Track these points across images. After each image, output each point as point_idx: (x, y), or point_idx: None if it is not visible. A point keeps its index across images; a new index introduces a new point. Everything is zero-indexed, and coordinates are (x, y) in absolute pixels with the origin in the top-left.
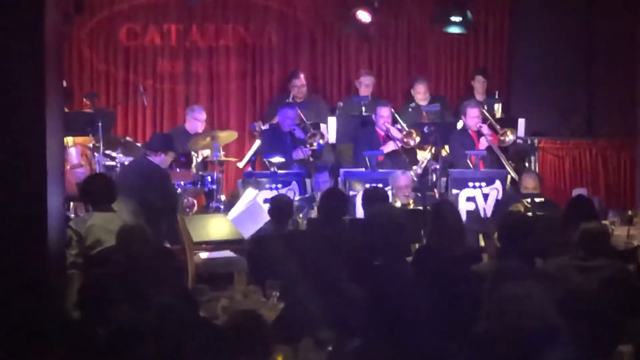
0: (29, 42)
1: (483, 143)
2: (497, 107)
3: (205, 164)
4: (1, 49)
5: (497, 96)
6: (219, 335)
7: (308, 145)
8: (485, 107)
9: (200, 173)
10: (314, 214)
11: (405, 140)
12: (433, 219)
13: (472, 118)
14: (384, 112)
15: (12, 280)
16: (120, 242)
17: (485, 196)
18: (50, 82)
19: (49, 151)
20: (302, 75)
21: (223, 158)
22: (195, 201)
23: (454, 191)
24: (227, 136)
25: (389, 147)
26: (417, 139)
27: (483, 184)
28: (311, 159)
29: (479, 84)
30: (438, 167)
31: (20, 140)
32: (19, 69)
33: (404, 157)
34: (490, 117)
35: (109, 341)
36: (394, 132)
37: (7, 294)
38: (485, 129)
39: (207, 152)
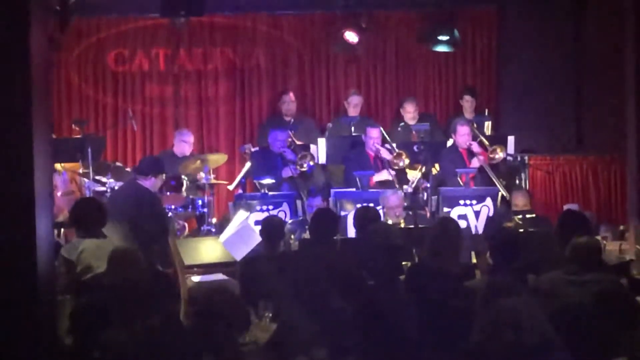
0: (14, 68)
1: (475, 163)
2: (487, 125)
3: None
4: None
5: (486, 114)
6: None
7: (298, 167)
8: (475, 125)
9: (190, 196)
10: (306, 236)
11: (394, 161)
12: (436, 235)
13: (462, 135)
14: (374, 134)
15: (2, 309)
16: (112, 265)
17: (477, 214)
18: (37, 108)
19: (37, 179)
20: (291, 93)
21: (213, 181)
22: (186, 224)
23: (445, 209)
24: (217, 159)
25: (382, 176)
26: (407, 161)
27: (474, 201)
28: (299, 177)
29: (467, 104)
30: (429, 185)
31: (6, 167)
32: (4, 96)
33: (395, 181)
34: (480, 135)
35: None
36: (384, 153)
37: None
38: (475, 147)
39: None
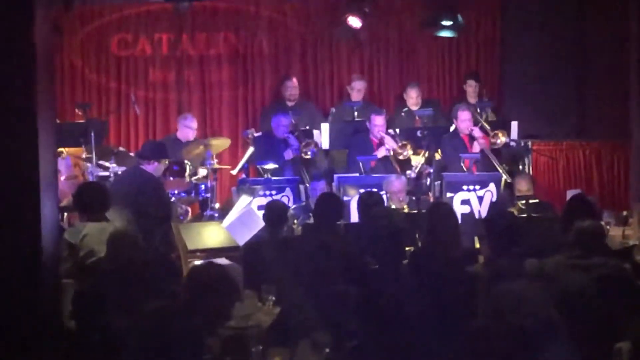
0: (19, 54)
1: (476, 147)
2: (489, 110)
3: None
4: None
5: (486, 99)
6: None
7: (303, 154)
8: (478, 110)
9: (193, 181)
10: (309, 221)
11: (399, 151)
12: (430, 220)
13: (463, 121)
14: (379, 121)
15: (6, 292)
16: (110, 248)
17: (480, 199)
18: (42, 93)
19: (42, 163)
20: (294, 78)
21: (216, 166)
22: (189, 208)
23: (449, 194)
24: (220, 144)
25: (382, 152)
26: (410, 152)
27: (477, 186)
28: (302, 162)
29: (470, 88)
30: (432, 171)
31: (12, 152)
32: (9, 81)
33: (395, 165)
34: (481, 120)
35: (104, 349)
36: (389, 141)
37: (1, 305)
38: (476, 132)
39: (203, 172)
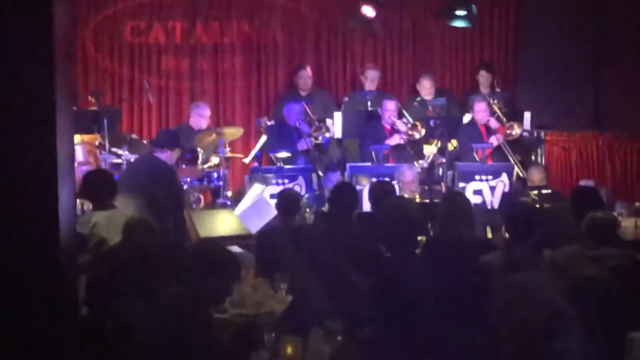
0: (37, 41)
1: (493, 141)
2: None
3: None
4: (10, 48)
5: (498, 89)
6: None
7: (313, 139)
8: (493, 100)
9: (206, 169)
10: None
11: (410, 133)
12: (445, 209)
13: (479, 112)
14: (390, 106)
15: (25, 281)
16: (126, 236)
17: (492, 189)
18: (60, 80)
19: (60, 150)
20: (308, 67)
21: (229, 154)
22: (201, 196)
23: (461, 184)
24: (233, 132)
25: (394, 140)
26: (423, 132)
27: (489, 177)
28: (314, 151)
29: (482, 79)
30: (444, 160)
31: (30, 139)
32: (28, 68)
33: (409, 150)
34: (497, 111)
35: (117, 335)
36: (400, 125)
37: (19, 295)
38: (493, 122)
39: (216, 160)
